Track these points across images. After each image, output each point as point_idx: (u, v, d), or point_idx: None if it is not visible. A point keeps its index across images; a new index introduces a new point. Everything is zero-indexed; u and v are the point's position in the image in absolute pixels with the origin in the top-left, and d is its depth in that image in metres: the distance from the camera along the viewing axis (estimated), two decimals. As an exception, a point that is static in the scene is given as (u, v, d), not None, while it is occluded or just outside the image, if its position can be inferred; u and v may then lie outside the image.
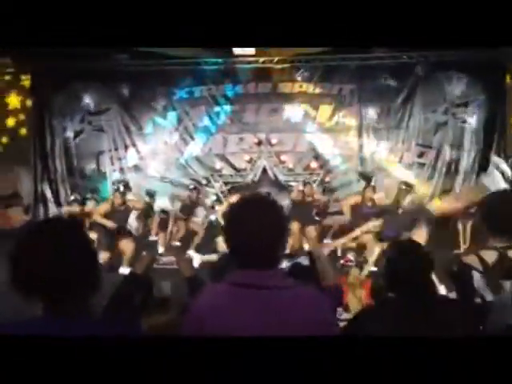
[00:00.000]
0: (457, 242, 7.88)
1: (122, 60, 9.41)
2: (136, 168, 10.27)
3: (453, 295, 2.25)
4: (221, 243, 7.20)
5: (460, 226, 8.10)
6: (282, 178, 10.16)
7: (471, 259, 2.29)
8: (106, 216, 7.32)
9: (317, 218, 8.63)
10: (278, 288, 1.49)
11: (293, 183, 9.98)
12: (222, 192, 10.09)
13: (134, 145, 10.26)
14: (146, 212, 8.76)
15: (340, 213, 8.60)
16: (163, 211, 9.08)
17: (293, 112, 10.20)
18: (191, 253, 7.93)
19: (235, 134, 10.25)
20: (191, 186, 9.21)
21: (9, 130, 9.80)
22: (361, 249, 7.32)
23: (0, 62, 9.29)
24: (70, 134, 10.15)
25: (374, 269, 6.29)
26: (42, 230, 1.42)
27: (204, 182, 10.17)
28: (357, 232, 7.06)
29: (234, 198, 7.28)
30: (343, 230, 7.85)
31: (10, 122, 9.80)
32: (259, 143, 10.15)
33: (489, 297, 2.23)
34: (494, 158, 8.29)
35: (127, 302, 2.12)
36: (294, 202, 8.53)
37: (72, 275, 1.33)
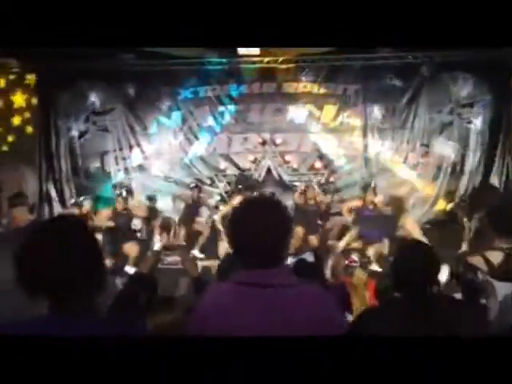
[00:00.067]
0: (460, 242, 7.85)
1: (127, 60, 9.41)
2: (140, 168, 10.27)
3: (458, 296, 2.24)
4: (222, 245, 7.26)
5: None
6: (286, 178, 10.15)
7: (476, 260, 2.29)
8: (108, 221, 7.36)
9: (319, 222, 8.61)
10: (283, 286, 1.49)
11: (297, 183, 9.98)
12: (226, 192, 10.09)
13: (138, 145, 10.26)
14: (150, 214, 8.77)
15: (341, 214, 8.62)
16: (166, 217, 9.06)
17: (297, 112, 10.18)
18: (196, 253, 7.94)
19: (240, 133, 10.23)
20: (192, 185, 9.21)
21: (15, 129, 9.82)
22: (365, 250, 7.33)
23: (4, 62, 9.32)
24: (74, 133, 10.16)
25: (379, 269, 6.28)
26: (46, 229, 1.42)
27: (208, 181, 10.17)
28: (342, 243, 7.22)
29: (237, 200, 7.30)
30: (343, 232, 7.89)
31: (16, 120, 9.82)
32: (263, 143, 10.14)
33: (494, 297, 2.22)
34: None
35: (132, 302, 2.12)
36: (297, 205, 8.52)
37: (77, 274, 1.34)
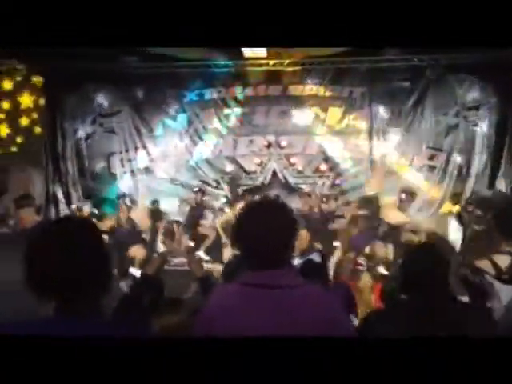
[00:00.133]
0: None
1: (133, 62, 9.46)
2: (146, 170, 10.31)
3: (465, 299, 2.23)
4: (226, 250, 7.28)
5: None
6: (291, 180, 10.13)
7: (484, 263, 2.28)
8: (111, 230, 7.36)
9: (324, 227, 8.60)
10: (291, 287, 1.49)
11: (302, 186, 9.97)
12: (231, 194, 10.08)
13: (144, 147, 10.30)
14: (154, 217, 8.78)
15: (344, 217, 8.63)
16: (170, 221, 9.05)
17: (303, 114, 10.18)
18: (201, 254, 7.95)
19: (245, 136, 10.25)
20: (195, 189, 9.23)
21: (23, 130, 9.87)
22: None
23: (10, 64, 9.38)
24: (81, 135, 10.22)
25: (386, 272, 6.25)
26: (52, 230, 1.43)
27: (214, 184, 10.18)
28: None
29: (240, 206, 7.30)
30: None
31: (24, 121, 9.88)
32: (269, 145, 10.14)
33: (501, 300, 2.21)
34: None
35: (138, 303, 2.13)
36: (301, 213, 8.49)
37: (83, 275, 1.34)
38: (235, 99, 10.19)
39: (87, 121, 10.20)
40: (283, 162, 10.16)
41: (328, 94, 10.07)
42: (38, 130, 9.94)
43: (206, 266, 7.40)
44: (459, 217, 7.85)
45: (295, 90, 10.11)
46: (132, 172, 10.27)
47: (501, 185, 9.48)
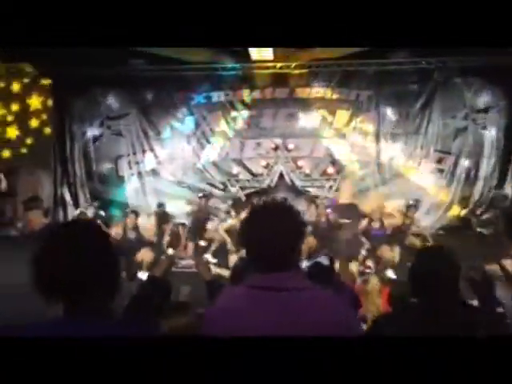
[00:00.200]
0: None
1: (140, 65, 9.50)
2: (153, 172, 10.35)
3: (475, 303, 2.21)
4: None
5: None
6: (298, 183, 10.13)
7: (493, 267, 2.26)
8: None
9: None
10: (298, 290, 1.48)
11: (310, 189, 9.95)
12: (238, 197, 10.09)
13: (151, 149, 10.35)
14: (161, 219, 8.79)
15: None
16: (176, 224, 9.05)
17: (310, 117, 10.18)
18: (209, 257, 7.95)
19: (252, 138, 10.27)
20: (200, 195, 9.23)
21: (33, 131, 9.95)
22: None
23: (18, 66, 9.46)
24: (89, 138, 10.28)
25: (394, 276, 6.22)
26: (60, 232, 1.43)
27: (221, 186, 10.19)
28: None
29: (245, 213, 7.29)
30: None
31: (34, 122, 9.95)
32: (276, 148, 10.15)
33: (510, 304, 2.19)
34: None
35: (145, 305, 2.13)
36: (308, 222, 8.42)
37: (90, 277, 1.34)
38: (242, 102, 10.22)
39: (95, 123, 10.27)
40: (290, 165, 10.16)
41: (335, 96, 10.07)
42: (47, 130, 10.03)
43: (213, 269, 7.42)
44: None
45: (302, 92, 10.13)
46: (139, 174, 10.32)
47: (508, 189, 9.42)
